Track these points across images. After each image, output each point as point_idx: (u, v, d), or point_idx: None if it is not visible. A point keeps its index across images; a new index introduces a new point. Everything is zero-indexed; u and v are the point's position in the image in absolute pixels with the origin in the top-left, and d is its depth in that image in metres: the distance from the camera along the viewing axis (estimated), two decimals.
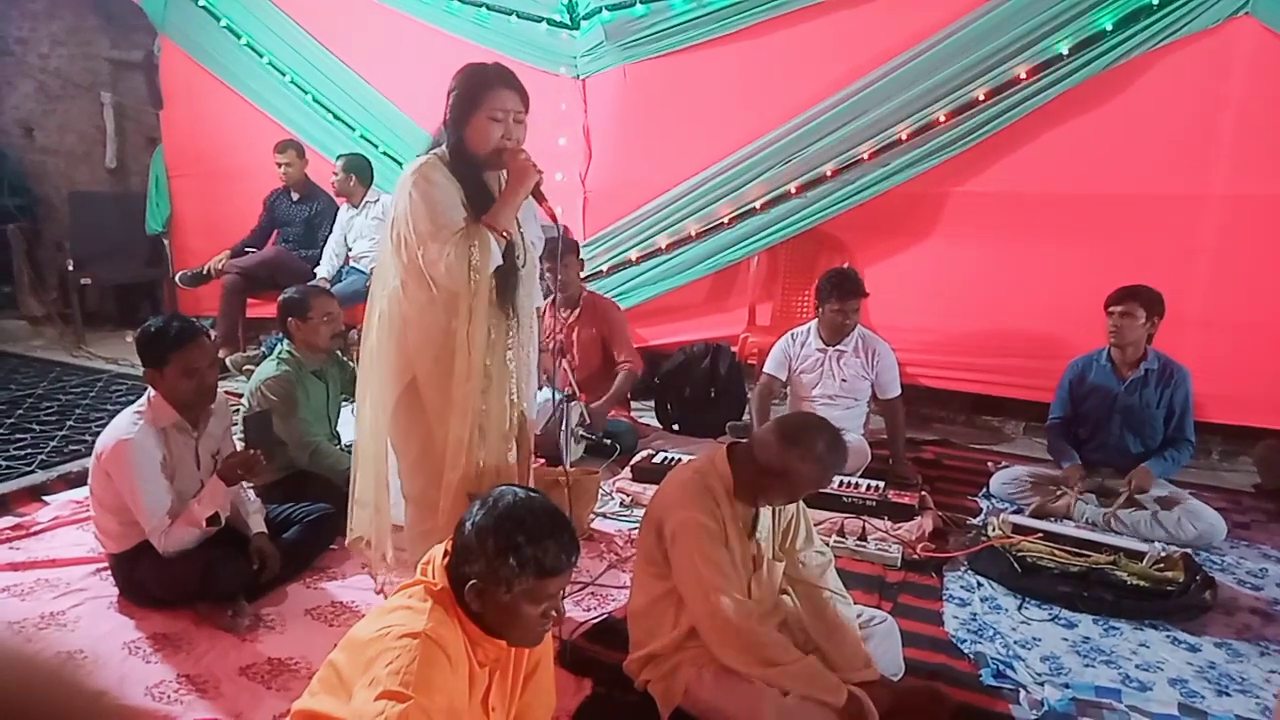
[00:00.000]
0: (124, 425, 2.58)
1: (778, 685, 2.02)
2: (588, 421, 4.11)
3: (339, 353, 3.42)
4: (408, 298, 2.36)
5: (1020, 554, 3.00)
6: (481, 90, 2.29)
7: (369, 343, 2.48)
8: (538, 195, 2.40)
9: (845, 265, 4.59)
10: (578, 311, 4.34)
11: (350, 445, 3.51)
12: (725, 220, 4.72)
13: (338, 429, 3.51)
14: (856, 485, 3.58)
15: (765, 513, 2.25)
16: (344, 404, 3.56)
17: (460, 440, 2.37)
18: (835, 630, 2.21)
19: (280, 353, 3.34)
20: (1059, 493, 3.59)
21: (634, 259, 4.97)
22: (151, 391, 2.63)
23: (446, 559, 1.66)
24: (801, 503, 2.34)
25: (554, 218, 2.48)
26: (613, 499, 3.66)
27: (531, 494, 1.66)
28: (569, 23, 4.90)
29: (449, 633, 1.58)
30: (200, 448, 2.72)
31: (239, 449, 2.80)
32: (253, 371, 4.42)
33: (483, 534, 1.58)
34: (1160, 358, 3.58)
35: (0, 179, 6.55)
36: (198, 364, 2.60)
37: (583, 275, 4.54)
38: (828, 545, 3.09)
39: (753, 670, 2.04)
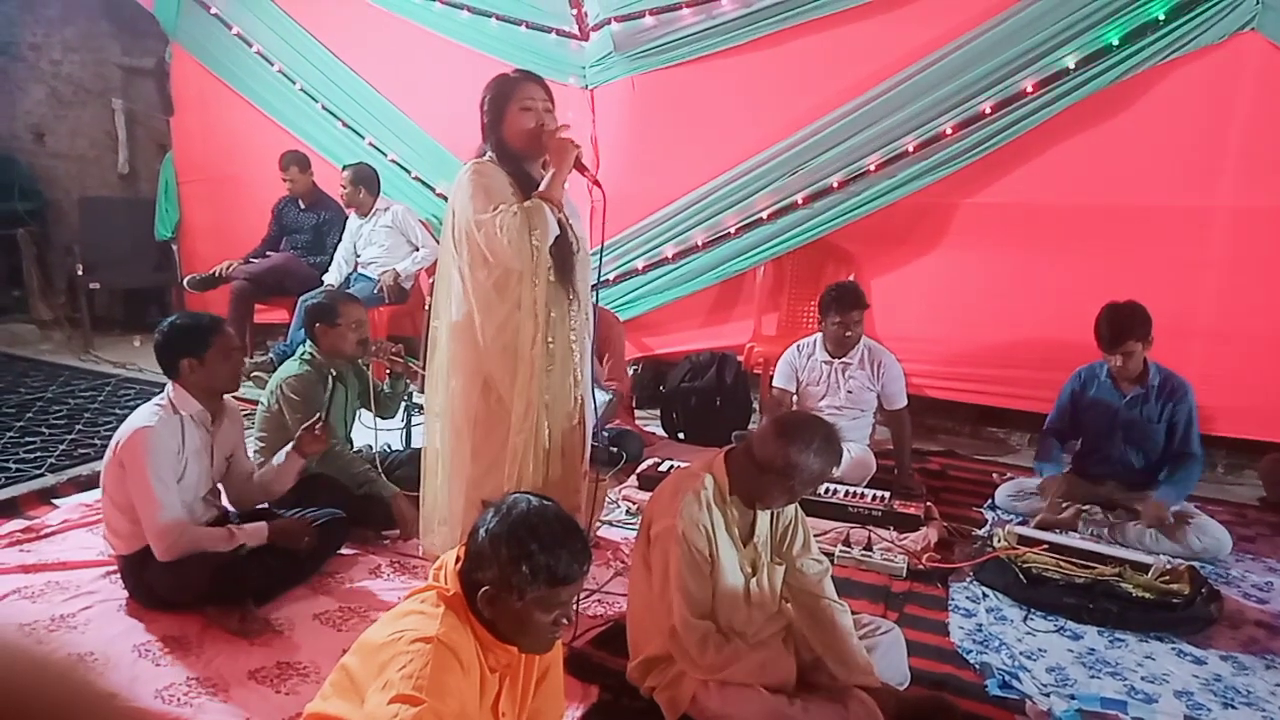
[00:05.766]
0: (144, 415, 2.62)
1: (729, 680, 2.09)
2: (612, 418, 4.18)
3: (359, 361, 3.43)
4: (473, 293, 2.50)
5: (1026, 565, 3.01)
6: (510, 87, 2.59)
7: (436, 360, 2.62)
8: (579, 167, 2.56)
9: (850, 278, 4.60)
10: None
11: (360, 450, 3.57)
12: (732, 230, 4.74)
13: (351, 435, 3.52)
14: (862, 495, 3.60)
15: (763, 517, 2.27)
16: (359, 410, 3.58)
17: (530, 405, 2.50)
18: (835, 638, 2.21)
19: (303, 354, 3.35)
20: (1064, 505, 3.58)
21: (640, 268, 4.99)
22: (171, 387, 2.67)
23: (459, 565, 1.67)
24: (799, 508, 2.35)
25: (599, 185, 2.62)
26: (619, 507, 3.68)
27: (545, 502, 1.68)
28: (578, 33, 4.93)
29: (461, 638, 1.60)
30: (215, 446, 2.76)
31: (250, 455, 2.84)
32: (261, 378, 4.45)
33: (496, 541, 1.60)
34: (1161, 372, 3.54)
35: (11, 183, 6.58)
36: (234, 344, 2.73)
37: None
38: (833, 555, 3.13)
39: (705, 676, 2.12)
